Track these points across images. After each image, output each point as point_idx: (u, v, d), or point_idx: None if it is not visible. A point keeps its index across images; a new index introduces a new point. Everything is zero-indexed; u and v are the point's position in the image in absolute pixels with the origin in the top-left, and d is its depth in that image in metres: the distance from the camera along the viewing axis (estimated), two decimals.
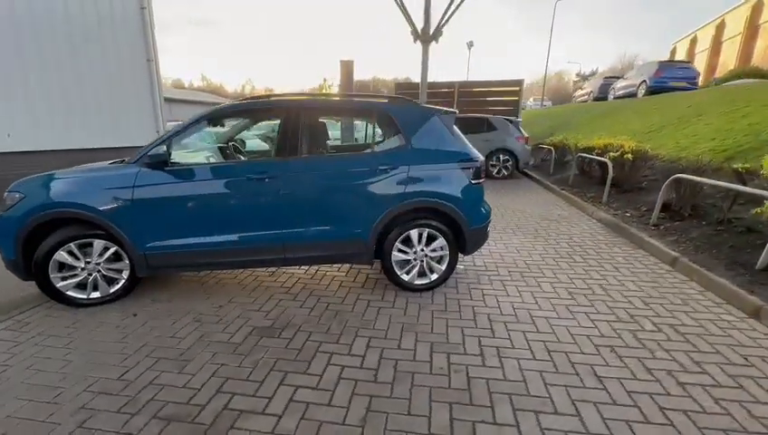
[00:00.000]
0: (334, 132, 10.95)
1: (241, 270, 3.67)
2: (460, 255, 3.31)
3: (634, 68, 18.63)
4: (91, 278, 2.93)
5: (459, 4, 7.72)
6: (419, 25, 7.76)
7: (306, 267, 3.77)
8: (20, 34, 5.88)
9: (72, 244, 2.81)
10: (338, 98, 3.88)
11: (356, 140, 8.63)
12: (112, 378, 2.16)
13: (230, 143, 3.96)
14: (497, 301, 3.08)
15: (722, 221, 4.14)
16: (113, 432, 1.78)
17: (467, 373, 2.19)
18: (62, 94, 6.55)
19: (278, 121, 3.29)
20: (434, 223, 3.11)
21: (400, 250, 3.15)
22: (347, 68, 10.71)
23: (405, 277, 3.19)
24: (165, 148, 2.77)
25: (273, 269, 3.72)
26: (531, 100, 42.71)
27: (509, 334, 2.60)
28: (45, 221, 2.76)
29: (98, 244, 2.87)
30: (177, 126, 3.04)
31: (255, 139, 10.11)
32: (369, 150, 3.66)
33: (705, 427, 1.80)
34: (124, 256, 2.94)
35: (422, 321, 2.78)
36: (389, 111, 3.15)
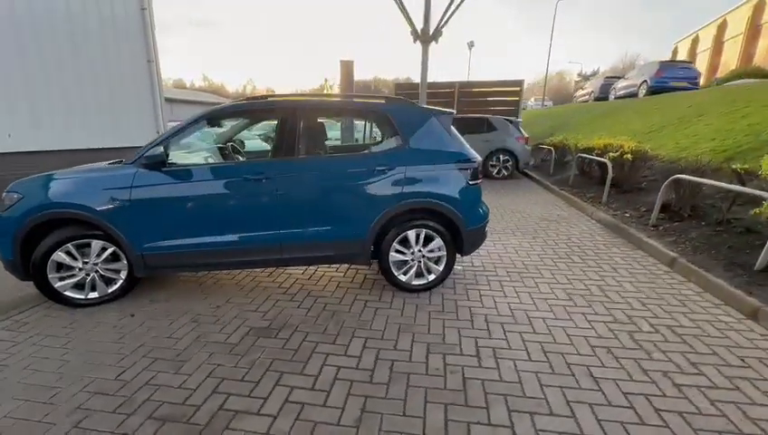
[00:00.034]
0: (334, 133, 10.99)
1: (239, 270, 3.67)
2: (458, 255, 3.31)
3: (635, 68, 18.59)
4: (89, 278, 2.94)
5: (459, 5, 7.72)
6: (419, 26, 7.76)
7: (304, 268, 3.78)
8: (20, 34, 5.90)
9: (69, 244, 2.82)
10: (335, 98, 3.88)
11: (356, 140, 8.64)
12: (109, 378, 2.17)
13: (228, 144, 3.97)
14: (494, 302, 3.08)
15: (721, 222, 4.13)
16: (108, 433, 1.78)
17: (463, 374, 2.19)
18: (63, 94, 6.57)
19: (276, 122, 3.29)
20: (431, 223, 3.11)
21: (398, 251, 3.15)
22: (347, 68, 10.72)
23: (402, 278, 3.20)
24: (162, 149, 2.78)
25: (271, 269, 3.72)
26: (532, 100, 42.66)
27: (506, 335, 2.60)
28: (43, 221, 2.77)
29: (96, 244, 2.88)
30: (175, 127, 3.05)
31: (257, 139, 10.14)
32: (366, 151, 3.66)
33: (701, 428, 1.80)
34: (122, 256, 2.95)
35: (419, 322, 2.78)
36: (387, 112, 3.15)
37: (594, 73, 43.05)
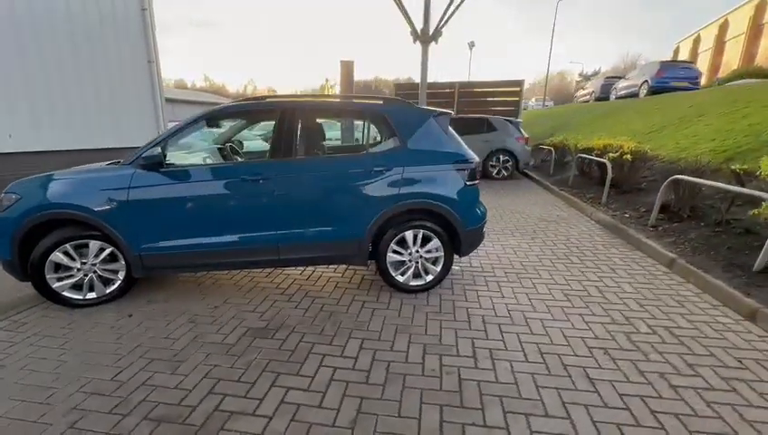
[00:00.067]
0: (335, 133, 11.00)
1: (237, 271, 3.67)
2: (456, 256, 3.31)
3: (636, 68, 18.56)
4: (87, 279, 2.94)
5: (459, 5, 7.71)
6: (419, 26, 7.76)
7: (302, 268, 3.78)
8: (20, 34, 5.91)
9: (67, 245, 2.83)
10: (333, 99, 3.88)
11: (356, 140, 8.64)
12: (105, 379, 2.17)
13: (227, 144, 3.97)
14: (492, 302, 3.08)
15: (720, 222, 4.12)
16: (104, 433, 1.79)
17: (459, 375, 2.19)
18: (63, 95, 6.59)
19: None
20: (429, 224, 3.10)
21: (395, 251, 3.14)
22: (347, 68, 10.73)
23: (400, 278, 3.19)
24: (159, 149, 2.78)
25: (270, 270, 3.72)
26: (533, 100, 42.60)
27: (503, 336, 2.59)
28: (41, 222, 2.78)
29: (94, 245, 2.89)
30: (174, 127, 3.06)
31: (258, 139, 10.14)
32: (363, 152, 3.66)
33: (697, 431, 1.79)
34: (120, 256, 2.95)
35: (416, 322, 2.78)
36: (384, 113, 3.15)
37: (595, 73, 42.98)
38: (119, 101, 7.58)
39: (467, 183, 3.14)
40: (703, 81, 15.82)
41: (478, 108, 12.68)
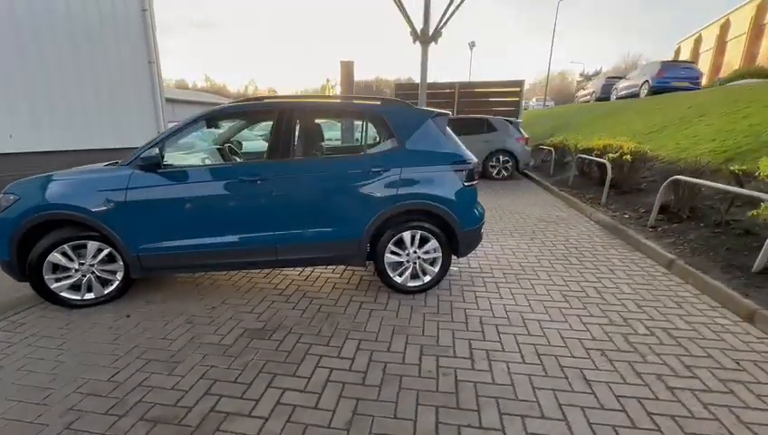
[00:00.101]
0: (334, 133, 11.01)
1: (235, 271, 3.68)
2: (454, 257, 3.31)
3: (637, 68, 18.53)
4: (85, 279, 2.95)
5: (459, 5, 7.71)
6: (419, 26, 7.76)
7: (300, 269, 3.78)
8: (20, 34, 5.92)
9: (65, 245, 2.83)
10: (331, 100, 3.88)
11: (355, 141, 8.64)
12: (102, 379, 2.17)
13: (226, 145, 3.98)
14: (490, 303, 3.08)
15: (720, 223, 4.11)
16: (100, 434, 1.79)
17: (456, 377, 2.19)
18: (63, 95, 6.60)
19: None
20: (426, 225, 3.10)
21: (393, 252, 3.14)
22: (347, 69, 10.74)
23: (398, 279, 3.19)
24: (157, 150, 2.78)
25: (268, 270, 3.73)
26: (533, 100, 42.57)
27: (500, 337, 2.59)
28: (39, 223, 2.78)
29: (92, 245, 2.89)
30: (172, 128, 3.06)
31: (259, 140, 10.15)
32: (361, 152, 3.66)
33: (693, 432, 1.79)
34: (118, 257, 2.96)
35: (413, 323, 2.78)
36: (382, 114, 3.15)
37: (596, 73, 42.90)
38: (119, 101, 7.59)
39: (465, 184, 3.14)
40: (704, 81, 15.78)
41: (478, 108, 12.67)
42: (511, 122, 9.75)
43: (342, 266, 3.82)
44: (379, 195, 3.01)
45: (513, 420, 1.87)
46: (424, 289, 3.24)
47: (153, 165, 2.80)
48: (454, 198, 3.09)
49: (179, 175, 2.89)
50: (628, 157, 5.94)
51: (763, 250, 3.15)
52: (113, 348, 2.48)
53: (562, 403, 1.97)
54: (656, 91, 13.45)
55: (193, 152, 3.80)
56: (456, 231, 3.13)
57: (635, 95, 14.73)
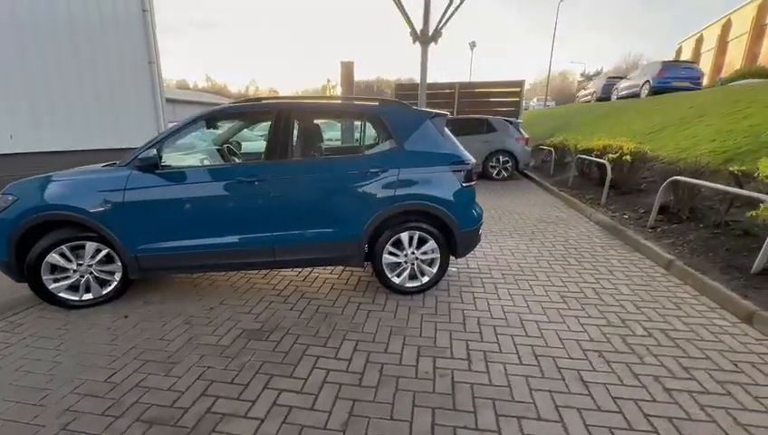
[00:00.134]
0: (334, 133, 11.00)
1: (233, 272, 3.68)
2: (453, 257, 3.30)
3: (638, 68, 18.50)
4: (83, 280, 2.95)
5: (458, 6, 7.72)
6: (419, 26, 7.76)
7: (299, 269, 3.78)
8: (21, 35, 5.94)
9: (64, 246, 2.83)
10: (329, 100, 3.88)
11: (353, 141, 8.65)
12: (99, 380, 2.18)
13: (225, 145, 3.98)
14: (488, 304, 3.07)
15: (719, 224, 4.10)
16: None
17: (452, 378, 2.19)
18: (64, 95, 6.61)
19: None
20: (424, 226, 3.10)
21: (391, 253, 3.14)
22: (347, 69, 10.75)
23: (396, 280, 3.19)
24: (155, 151, 2.79)
25: (266, 271, 3.73)
26: (534, 100, 42.54)
27: (497, 338, 2.59)
28: (38, 223, 2.79)
29: (90, 246, 2.90)
30: (170, 128, 3.06)
31: (260, 140, 10.14)
32: (359, 153, 3.66)
33: (690, 434, 1.78)
34: (116, 258, 2.96)
35: (411, 324, 2.78)
36: (380, 114, 3.15)
37: (597, 73, 42.84)
38: (119, 101, 7.61)
39: (463, 185, 3.13)
40: (705, 81, 15.75)
41: (478, 108, 12.66)
42: (511, 123, 9.74)
43: (341, 267, 3.82)
44: (377, 196, 3.00)
45: (510, 421, 1.87)
46: (422, 290, 3.23)
47: (151, 166, 2.81)
48: (452, 198, 3.09)
49: (177, 176, 2.89)
50: (628, 157, 5.93)
51: (762, 251, 3.14)
52: (111, 349, 2.48)
53: (559, 405, 1.97)
54: (656, 91, 13.43)
55: (192, 153, 3.80)
56: (454, 232, 3.12)
57: (636, 95, 14.70)
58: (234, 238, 2.96)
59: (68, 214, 2.79)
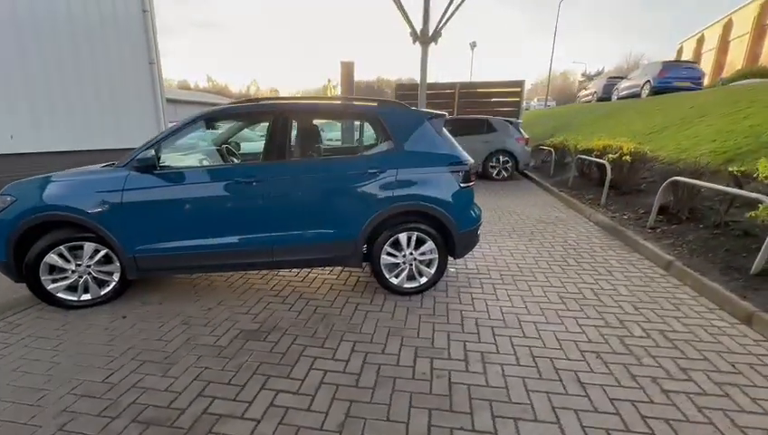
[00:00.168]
0: (335, 134, 11.00)
1: (232, 272, 3.68)
2: (451, 258, 3.30)
3: (639, 68, 18.47)
4: (81, 281, 2.95)
5: (458, 6, 7.70)
6: (419, 27, 7.75)
7: (297, 270, 3.78)
8: (22, 35, 5.94)
9: (62, 246, 2.84)
10: (327, 101, 3.87)
11: (351, 142, 8.65)
12: (96, 381, 2.18)
13: (224, 146, 3.99)
14: (486, 305, 3.07)
15: (719, 224, 4.08)
16: None
17: (449, 379, 2.18)
18: (64, 95, 6.63)
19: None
20: (423, 226, 3.10)
21: (389, 253, 3.14)
22: (347, 69, 10.74)
23: (394, 281, 3.19)
24: (153, 152, 2.79)
25: (265, 272, 3.73)
26: (535, 100, 42.51)
27: (495, 339, 2.58)
28: (36, 224, 2.79)
29: (88, 247, 2.90)
30: (168, 129, 3.07)
31: (262, 141, 10.13)
32: (357, 154, 3.66)
33: None
34: (114, 258, 2.97)
35: (409, 325, 2.78)
36: (378, 115, 3.15)
37: (598, 73, 42.79)
38: (120, 101, 7.62)
39: (462, 185, 3.13)
40: (706, 80, 15.71)
41: (479, 108, 12.65)
42: (511, 123, 9.73)
43: (339, 268, 3.82)
44: (375, 196, 3.00)
45: (506, 423, 1.87)
46: (420, 291, 3.23)
47: (149, 166, 2.81)
48: (450, 199, 3.09)
49: (175, 176, 2.89)
50: (628, 158, 5.92)
51: (761, 252, 3.13)
52: (108, 349, 2.48)
53: (556, 406, 1.97)
54: (657, 91, 13.40)
55: (190, 153, 3.80)
56: (452, 232, 3.12)
57: (636, 95, 14.67)
58: (232, 239, 2.96)
59: (66, 214, 2.79)
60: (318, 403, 2.00)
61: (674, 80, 13.44)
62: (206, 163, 3.69)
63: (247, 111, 3.45)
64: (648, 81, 14.00)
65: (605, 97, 18.15)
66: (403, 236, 3.10)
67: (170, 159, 3.18)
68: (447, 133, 3.27)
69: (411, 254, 3.15)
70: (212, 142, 4.18)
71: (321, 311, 2.99)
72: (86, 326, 2.76)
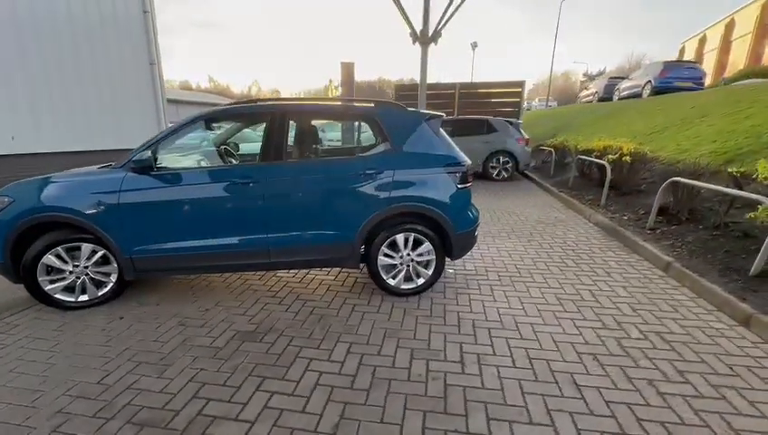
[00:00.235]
0: (336, 135, 11.00)
1: (229, 273, 3.68)
2: (449, 259, 3.29)
3: (641, 68, 18.42)
4: (79, 281, 2.96)
5: (458, 6, 7.69)
6: (419, 27, 7.74)
7: (294, 271, 3.78)
8: (22, 35, 5.96)
9: (59, 247, 2.84)
10: (324, 102, 3.87)
11: (349, 143, 8.66)
12: (92, 382, 2.18)
13: (222, 147, 3.99)
14: (483, 306, 3.06)
15: (718, 225, 4.06)
16: None
17: (445, 381, 2.18)
18: (65, 96, 6.64)
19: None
20: (420, 227, 3.09)
21: (386, 254, 3.13)
22: (347, 70, 10.75)
23: (391, 282, 3.18)
24: (149, 153, 2.79)
25: (262, 272, 3.73)
26: (536, 100, 42.46)
27: (492, 341, 2.57)
28: (33, 225, 2.80)
29: (86, 247, 2.91)
30: (166, 130, 3.07)
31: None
32: (355, 155, 3.65)
33: None
34: (112, 259, 2.97)
35: (405, 326, 2.77)
36: (375, 116, 3.14)
37: (600, 73, 42.68)
38: (120, 102, 7.64)
39: (459, 186, 3.12)
40: (708, 80, 15.66)
41: (479, 109, 12.64)
42: (511, 123, 9.71)
43: (337, 269, 3.82)
44: (372, 197, 3.00)
45: (501, 425, 1.86)
46: (417, 292, 3.22)
47: (146, 167, 2.81)
48: (447, 200, 3.08)
49: (172, 177, 2.90)
50: (628, 158, 5.90)
51: (760, 253, 3.11)
52: (105, 350, 2.49)
53: (551, 409, 1.96)
54: (658, 91, 13.37)
55: (188, 154, 3.81)
56: (449, 233, 3.11)
57: (637, 95, 14.64)
58: (229, 240, 2.96)
59: (63, 215, 2.80)
60: (312, 405, 2.00)
61: (675, 80, 13.41)
62: (204, 164, 3.70)
63: (245, 111, 3.45)
64: (650, 81, 13.97)
65: (606, 97, 18.11)
66: (400, 238, 3.09)
67: (168, 159, 3.18)
68: (445, 134, 3.27)
69: (408, 255, 3.14)
70: (211, 143, 4.19)
71: (317, 312, 2.99)
72: (83, 327, 2.77)
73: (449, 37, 8.15)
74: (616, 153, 6.06)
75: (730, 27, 27.16)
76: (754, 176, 3.64)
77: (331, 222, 3.04)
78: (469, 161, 3.24)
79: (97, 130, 7.22)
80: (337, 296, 3.26)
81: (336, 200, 3.05)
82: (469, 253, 3.82)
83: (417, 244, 3.14)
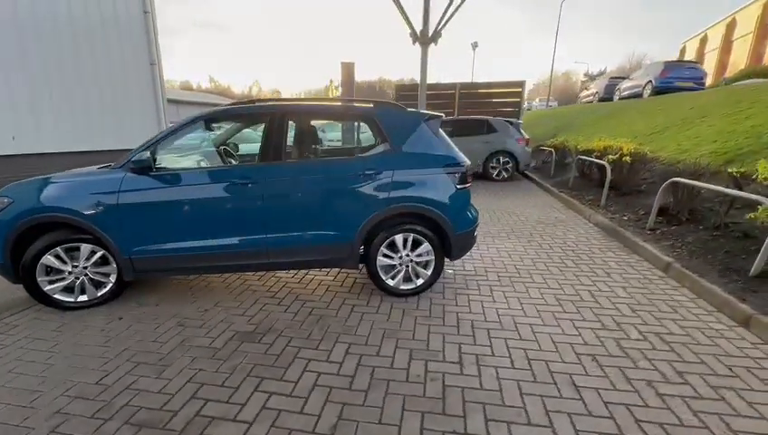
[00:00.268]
0: (337, 135, 11.01)
1: (229, 274, 3.68)
2: (448, 259, 3.29)
3: (641, 68, 18.39)
4: (78, 282, 2.96)
5: (458, 6, 7.69)
6: (419, 27, 7.74)
7: (294, 271, 3.78)
8: (23, 36, 5.97)
9: (59, 248, 2.85)
10: (323, 102, 3.87)
11: (348, 143, 8.66)
12: (90, 382, 2.18)
13: (221, 147, 3.99)
14: (482, 307, 3.06)
15: (718, 226, 4.06)
16: None
17: (443, 382, 2.17)
18: (65, 96, 6.65)
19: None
20: (419, 228, 3.09)
21: (385, 255, 3.13)
22: (348, 70, 10.75)
23: (390, 282, 3.18)
24: (148, 153, 2.79)
25: (261, 272, 3.73)
26: (537, 100, 42.44)
27: (490, 342, 2.57)
28: (33, 225, 2.80)
29: (85, 248, 2.91)
30: (165, 130, 3.07)
31: None
32: (354, 155, 3.65)
33: None
34: (111, 260, 2.97)
35: (404, 327, 2.77)
36: (374, 116, 3.14)
37: (601, 73, 42.64)
38: (121, 102, 7.65)
39: (458, 187, 3.12)
40: (709, 80, 15.64)
41: (479, 109, 12.63)
42: (511, 123, 9.70)
43: (336, 269, 3.82)
44: (371, 198, 3.00)
45: (499, 426, 1.86)
46: (416, 292, 3.22)
47: (145, 168, 2.81)
48: (446, 200, 3.08)
49: (170, 178, 2.90)
50: (628, 158, 5.89)
51: (760, 253, 3.10)
52: (104, 351, 2.49)
53: (550, 410, 1.95)
54: (659, 91, 13.35)
55: (188, 154, 3.81)
56: (448, 234, 3.11)
57: (638, 95, 14.62)
58: (228, 240, 2.96)
59: (63, 216, 2.80)
60: (311, 406, 2.00)
61: (676, 80, 13.39)
62: (203, 164, 3.70)
63: (244, 112, 3.45)
64: (650, 81, 13.95)
65: (607, 97, 18.09)
66: (399, 238, 3.09)
67: (167, 160, 3.18)
68: (444, 134, 3.26)
69: (408, 255, 3.14)
70: (210, 143, 4.19)
71: (316, 313, 2.99)
72: (82, 327, 2.77)
73: (449, 37, 8.13)
74: (616, 153, 6.06)
75: (731, 27, 27.13)
76: (754, 176, 3.63)
77: (331, 222, 3.04)
78: (468, 162, 3.23)
79: (97, 131, 7.22)
80: (336, 297, 3.26)
81: (335, 201, 3.05)
82: (468, 253, 3.82)
83: (416, 244, 3.13)
